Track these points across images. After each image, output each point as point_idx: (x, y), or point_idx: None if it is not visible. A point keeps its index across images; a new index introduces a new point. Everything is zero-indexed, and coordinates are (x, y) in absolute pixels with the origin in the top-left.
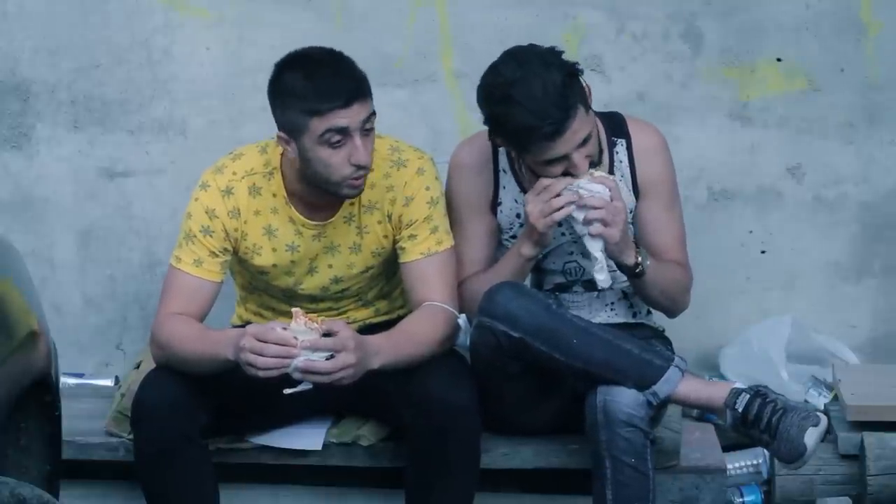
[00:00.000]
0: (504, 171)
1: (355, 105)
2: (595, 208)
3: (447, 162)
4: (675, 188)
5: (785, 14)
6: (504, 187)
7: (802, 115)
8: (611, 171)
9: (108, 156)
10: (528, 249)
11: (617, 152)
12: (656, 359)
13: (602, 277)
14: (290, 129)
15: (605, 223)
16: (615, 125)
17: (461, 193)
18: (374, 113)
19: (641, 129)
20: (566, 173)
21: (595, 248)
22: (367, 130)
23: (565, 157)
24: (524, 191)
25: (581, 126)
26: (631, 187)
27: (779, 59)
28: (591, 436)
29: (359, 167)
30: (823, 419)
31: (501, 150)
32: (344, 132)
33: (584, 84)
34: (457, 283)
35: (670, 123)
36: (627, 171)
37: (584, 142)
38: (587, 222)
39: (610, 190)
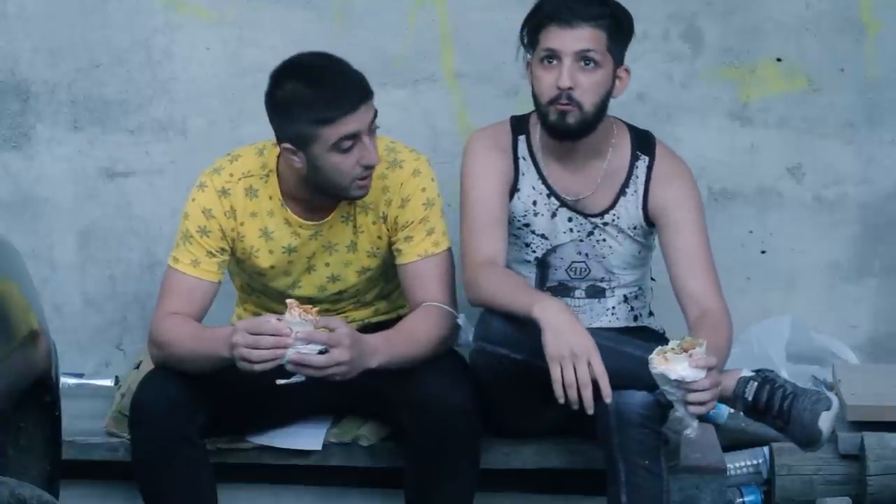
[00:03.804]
0: (523, 158)
1: (362, 108)
2: (701, 404)
3: (445, 162)
4: (699, 219)
5: (785, 14)
6: (523, 174)
7: (802, 115)
8: (626, 184)
9: (108, 156)
10: (541, 314)
11: (636, 167)
12: None
13: (691, 433)
14: (297, 139)
15: (706, 405)
16: (644, 141)
17: (483, 171)
18: (377, 112)
19: (669, 155)
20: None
21: (692, 419)
22: (372, 131)
23: (558, 59)
24: (542, 177)
25: (591, 42)
26: (641, 206)
27: (779, 59)
28: (604, 440)
29: (368, 167)
30: (835, 401)
31: (521, 138)
32: (354, 137)
33: (626, 68)
34: (466, 265)
35: (670, 123)
36: (642, 188)
37: (584, 60)
38: (686, 402)
39: (709, 370)
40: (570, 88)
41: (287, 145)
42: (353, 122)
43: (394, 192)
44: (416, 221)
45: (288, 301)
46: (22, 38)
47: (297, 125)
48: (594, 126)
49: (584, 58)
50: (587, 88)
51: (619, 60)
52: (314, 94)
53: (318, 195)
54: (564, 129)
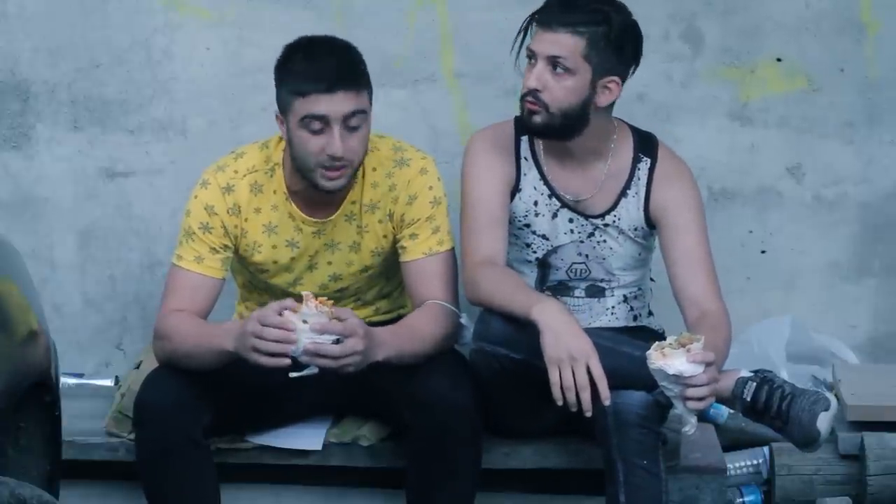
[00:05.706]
0: (525, 158)
1: (339, 93)
2: (699, 399)
3: (446, 162)
4: (699, 221)
5: (785, 14)
6: (525, 174)
7: (802, 115)
8: (628, 185)
9: (108, 156)
10: (539, 315)
11: (638, 168)
12: None
13: (690, 429)
14: (281, 107)
15: (704, 401)
16: (647, 144)
17: (483, 171)
18: (364, 112)
19: (670, 157)
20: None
21: (691, 416)
22: (351, 127)
23: (535, 59)
24: (543, 177)
25: (564, 48)
26: (642, 208)
27: (779, 59)
28: (602, 440)
29: (333, 158)
30: (833, 401)
31: (524, 138)
32: (323, 120)
33: (615, 80)
34: (465, 264)
35: (670, 123)
36: (643, 190)
37: (555, 65)
38: (684, 397)
39: (706, 365)
40: (536, 90)
41: (277, 112)
42: (323, 104)
43: (401, 189)
44: (422, 219)
45: (304, 293)
46: (22, 38)
47: (282, 92)
48: (569, 130)
49: (554, 63)
50: (555, 93)
51: (602, 71)
52: (301, 65)
53: (312, 184)
54: (531, 128)
